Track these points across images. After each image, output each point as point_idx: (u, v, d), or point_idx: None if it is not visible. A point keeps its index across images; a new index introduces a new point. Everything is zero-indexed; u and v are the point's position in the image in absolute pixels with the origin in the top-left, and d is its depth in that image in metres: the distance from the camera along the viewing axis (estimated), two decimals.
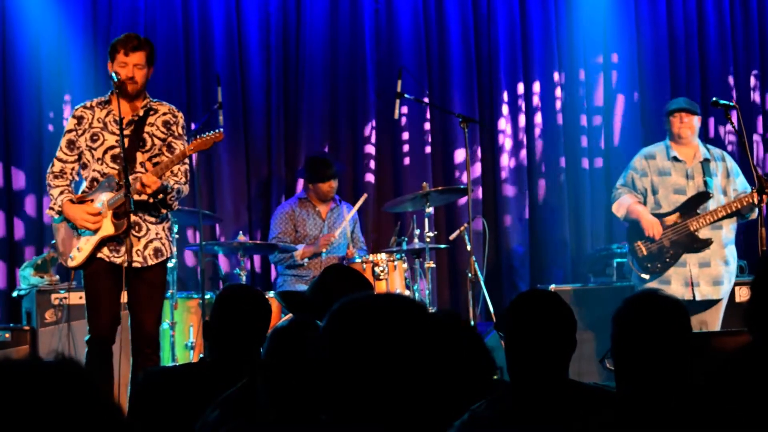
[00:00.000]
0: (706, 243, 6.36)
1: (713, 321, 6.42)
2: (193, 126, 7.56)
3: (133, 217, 5.10)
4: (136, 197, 5.02)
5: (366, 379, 1.80)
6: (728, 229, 6.46)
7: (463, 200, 7.73)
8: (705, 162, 6.50)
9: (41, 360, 1.32)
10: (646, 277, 6.43)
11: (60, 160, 5.28)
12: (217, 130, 5.15)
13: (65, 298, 6.51)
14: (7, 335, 6.56)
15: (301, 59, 8.04)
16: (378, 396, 1.80)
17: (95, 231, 5.14)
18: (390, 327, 1.84)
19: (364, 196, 7.50)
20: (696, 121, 6.53)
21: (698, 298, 6.35)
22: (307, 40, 8.02)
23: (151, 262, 5.19)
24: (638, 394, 2.47)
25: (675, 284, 6.38)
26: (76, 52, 7.53)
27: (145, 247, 5.18)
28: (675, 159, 6.48)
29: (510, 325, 2.86)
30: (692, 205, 6.41)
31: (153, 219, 5.26)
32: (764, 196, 5.54)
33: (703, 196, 6.41)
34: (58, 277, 6.84)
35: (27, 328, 6.64)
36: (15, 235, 7.49)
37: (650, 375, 2.48)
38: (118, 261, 5.15)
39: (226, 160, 7.89)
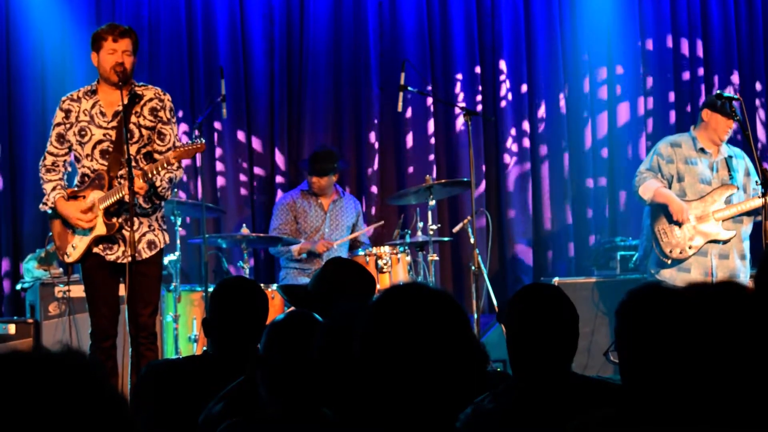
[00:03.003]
0: (731, 234, 6.34)
1: None
2: (197, 119, 7.56)
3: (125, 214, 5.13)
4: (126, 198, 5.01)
5: (396, 378, 1.80)
6: (748, 225, 6.45)
7: (466, 193, 7.73)
8: (729, 158, 6.47)
9: (47, 351, 1.32)
10: (668, 262, 6.36)
11: (51, 153, 5.29)
12: (199, 141, 5.07)
13: (68, 290, 6.52)
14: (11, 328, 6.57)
15: (304, 52, 8.03)
16: (404, 394, 1.80)
17: (90, 229, 5.17)
18: (426, 326, 1.84)
19: (381, 222, 7.61)
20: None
21: None
22: (311, 33, 8.02)
23: (145, 255, 5.22)
24: (642, 388, 2.47)
25: (695, 273, 6.32)
26: (80, 47, 7.51)
27: (138, 240, 5.19)
28: (702, 151, 6.43)
29: (512, 319, 2.86)
30: (718, 196, 6.38)
31: (143, 212, 5.25)
32: None
33: (729, 188, 6.38)
34: (61, 269, 6.84)
35: (31, 320, 6.66)
36: (19, 228, 7.50)
37: (654, 368, 2.47)
38: (111, 258, 5.20)
39: (230, 152, 7.89)
